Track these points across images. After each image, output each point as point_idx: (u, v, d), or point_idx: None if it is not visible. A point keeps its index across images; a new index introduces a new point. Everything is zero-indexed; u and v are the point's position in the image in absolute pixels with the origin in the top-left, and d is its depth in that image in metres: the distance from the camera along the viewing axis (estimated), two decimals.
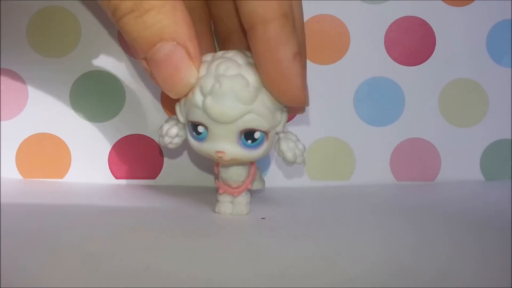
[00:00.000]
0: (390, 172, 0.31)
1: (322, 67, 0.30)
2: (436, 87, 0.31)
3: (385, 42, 0.31)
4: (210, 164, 0.30)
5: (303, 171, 0.31)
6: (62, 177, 0.30)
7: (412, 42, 0.31)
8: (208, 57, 0.20)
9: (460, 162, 0.31)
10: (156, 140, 0.30)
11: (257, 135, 0.20)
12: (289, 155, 0.21)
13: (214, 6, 0.24)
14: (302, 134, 0.30)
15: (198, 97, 0.19)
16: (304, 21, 0.30)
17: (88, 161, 0.30)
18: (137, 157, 0.30)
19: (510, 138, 0.32)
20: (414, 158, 0.31)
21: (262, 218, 0.22)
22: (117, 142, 0.30)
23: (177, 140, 0.22)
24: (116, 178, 0.30)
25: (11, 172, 0.30)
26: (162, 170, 0.30)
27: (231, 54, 0.20)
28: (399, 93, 0.31)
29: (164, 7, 0.18)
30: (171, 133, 0.21)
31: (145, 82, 0.30)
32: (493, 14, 0.31)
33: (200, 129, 0.20)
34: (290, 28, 0.18)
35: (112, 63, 0.30)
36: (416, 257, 0.18)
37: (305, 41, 0.23)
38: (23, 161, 0.30)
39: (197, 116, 0.20)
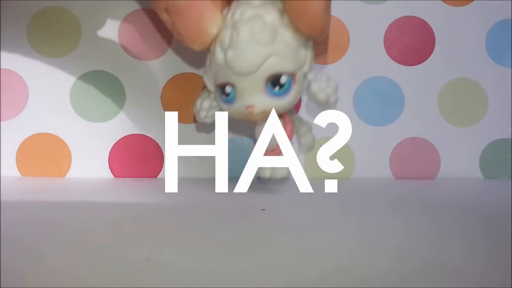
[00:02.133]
0: (389, 172, 0.31)
1: (321, 67, 0.30)
2: (436, 87, 0.31)
3: (384, 42, 0.31)
4: (210, 162, 0.30)
5: (303, 171, 0.30)
6: (62, 177, 0.30)
7: (411, 42, 0.31)
8: (225, 11, 0.20)
9: (460, 161, 0.31)
10: (156, 140, 0.30)
11: (283, 79, 0.19)
12: (321, 95, 0.21)
13: None
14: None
15: (219, 55, 0.19)
16: None
17: (88, 161, 0.30)
18: (137, 157, 0.30)
19: (509, 137, 0.32)
20: (414, 158, 0.31)
21: (262, 210, 0.22)
22: (117, 142, 0.30)
23: (212, 112, 0.21)
24: (116, 178, 0.30)
25: (12, 172, 0.30)
26: (162, 170, 0.30)
27: (240, 9, 0.20)
28: (399, 93, 0.31)
29: None
30: (204, 106, 0.21)
31: (146, 82, 0.30)
32: (492, 14, 0.31)
33: (228, 89, 0.20)
34: None
35: (112, 63, 0.30)
36: (416, 255, 0.18)
37: None
38: (23, 161, 0.30)
39: (223, 76, 0.20)
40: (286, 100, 0.20)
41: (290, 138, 0.22)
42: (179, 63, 0.30)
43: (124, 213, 0.22)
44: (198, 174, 0.30)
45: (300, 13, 0.19)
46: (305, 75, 0.20)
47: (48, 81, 0.29)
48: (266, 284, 0.15)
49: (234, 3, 0.20)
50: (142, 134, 0.30)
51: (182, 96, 0.30)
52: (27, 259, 0.16)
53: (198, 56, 0.30)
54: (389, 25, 0.31)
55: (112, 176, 0.30)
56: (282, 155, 0.22)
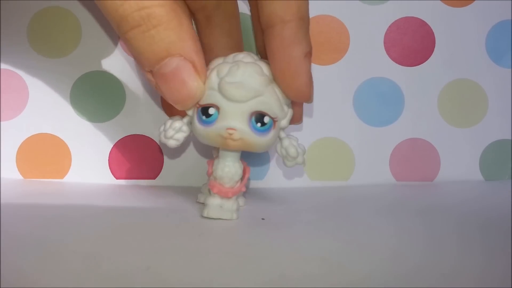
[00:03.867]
0: (389, 172, 0.31)
1: (321, 68, 0.30)
2: (436, 88, 0.31)
3: (384, 43, 0.31)
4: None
5: (303, 172, 0.31)
6: (62, 177, 0.30)
7: (411, 43, 0.31)
8: (219, 60, 0.21)
9: (460, 162, 0.31)
10: (156, 140, 0.30)
11: (266, 119, 0.21)
12: (292, 150, 0.22)
13: (206, 36, 0.25)
14: (302, 134, 0.30)
15: (214, 80, 0.20)
16: None
17: (89, 161, 0.30)
18: (137, 157, 0.30)
19: (509, 138, 0.32)
20: (414, 159, 0.31)
21: (262, 219, 0.22)
22: (117, 142, 0.30)
23: (179, 136, 0.22)
24: (116, 178, 0.30)
25: (12, 172, 0.30)
26: (162, 170, 0.30)
27: (242, 55, 0.21)
28: (399, 94, 0.31)
29: (171, 23, 0.18)
30: (175, 126, 0.21)
31: (145, 83, 0.30)
32: (492, 15, 0.31)
33: (211, 111, 0.20)
34: (305, 30, 0.20)
35: (112, 63, 0.30)
36: (415, 256, 0.18)
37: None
38: (23, 161, 0.30)
39: (210, 98, 0.20)
40: (264, 139, 0.21)
41: (245, 181, 0.22)
42: None
43: (124, 219, 0.22)
44: (198, 183, 0.30)
45: (289, 86, 0.21)
46: (281, 129, 0.22)
47: (48, 81, 0.29)
48: None
49: (231, 56, 0.21)
50: (142, 135, 0.30)
51: None
52: (27, 262, 0.16)
53: None
54: (389, 26, 0.31)
55: (112, 176, 0.30)
56: (236, 197, 0.22)
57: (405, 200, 0.27)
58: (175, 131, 0.21)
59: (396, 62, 0.31)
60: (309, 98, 0.21)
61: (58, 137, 0.30)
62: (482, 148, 0.32)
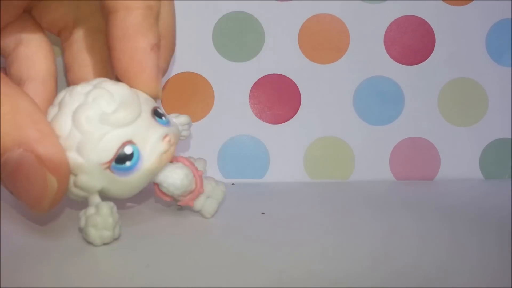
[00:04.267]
0: (389, 171, 0.31)
1: (321, 66, 0.30)
2: (436, 86, 0.31)
3: (384, 42, 0.31)
4: (210, 161, 0.30)
5: (303, 170, 0.31)
6: None
7: (411, 42, 0.31)
8: (53, 110, 0.18)
9: (460, 161, 0.31)
10: None
11: (161, 110, 0.19)
12: (182, 118, 0.21)
13: (66, 55, 0.23)
14: (302, 133, 0.30)
15: (94, 128, 0.17)
16: (304, 20, 0.30)
17: None
18: None
19: (509, 137, 0.32)
20: (414, 157, 0.31)
21: (262, 213, 0.22)
22: None
23: (109, 221, 0.18)
24: None
25: None
26: None
27: (63, 93, 0.18)
28: (399, 92, 0.31)
29: (2, 108, 0.15)
30: (112, 221, 0.18)
31: None
32: (492, 13, 0.31)
33: (128, 149, 0.17)
34: (153, 20, 0.18)
35: None
36: (415, 255, 0.18)
37: (173, 37, 0.22)
38: None
39: (114, 141, 0.17)
40: (174, 127, 0.19)
41: (193, 164, 0.20)
42: (179, 63, 0.30)
43: (123, 217, 0.22)
44: None
45: (133, 79, 0.18)
46: None
47: None
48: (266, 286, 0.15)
49: (54, 110, 0.18)
50: None
51: (182, 95, 0.30)
52: (27, 261, 0.16)
53: (198, 56, 0.30)
54: (389, 25, 0.31)
55: None
56: (202, 190, 0.20)
57: (405, 198, 0.27)
58: (119, 226, 0.18)
59: (396, 61, 0.31)
60: (156, 93, 0.19)
61: None
62: (482, 146, 0.31)
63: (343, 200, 0.27)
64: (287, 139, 0.30)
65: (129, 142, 0.17)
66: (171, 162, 0.19)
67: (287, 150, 0.30)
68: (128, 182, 0.17)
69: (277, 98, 0.30)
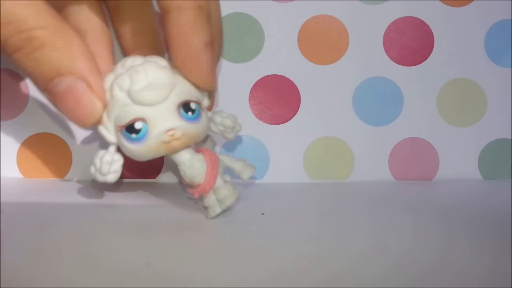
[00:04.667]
0: (388, 172, 0.31)
1: (321, 67, 0.30)
2: (435, 87, 0.31)
3: (383, 42, 0.31)
4: None
5: (302, 170, 0.31)
6: (63, 177, 0.30)
7: (410, 42, 0.31)
8: (110, 76, 0.20)
9: (459, 161, 0.31)
10: None
11: (193, 105, 0.20)
12: (228, 121, 0.22)
13: (117, 22, 0.24)
14: (301, 134, 0.30)
15: (120, 95, 0.19)
16: (303, 21, 0.30)
17: (89, 161, 0.30)
18: None
19: (508, 137, 0.32)
20: (413, 158, 0.31)
21: (262, 214, 0.22)
22: None
23: (115, 167, 0.20)
24: (120, 177, 0.30)
25: (12, 172, 0.30)
26: (162, 169, 0.30)
27: (131, 59, 0.20)
28: (398, 93, 0.31)
29: (57, 43, 0.18)
30: (107, 160, 0.20)
31: None
32: (491, 14, 0.31)
33: (138, 125, 0.19)
34: (204, 20, 0.19)
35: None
36: (414, 255, 0.18)
37: (221, 37, 0.24)
38: (24, 161, 0.30)
39: (130, 114, 0.19)
40: (200, 125, 0.20)
41: (215, 163, 0.21)
42: None
43: (123, 217, 0.22)
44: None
45: (190, 74, 0.20)
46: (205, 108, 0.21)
47: None
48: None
49: (112, 73, 0.20)
50: None
51: None
52: (27, 261, 0.16)
53: None
54: (388, 26, 0.31)
55: None
56: (208, 189, 0.21)
57: (404, 198, 0.27)
58: (109, 165, 0.20)
59: (395, 62, 0.31)
60: (212, 87, 0.21)
61: (59, 137, 0.30)
62: (481, 147, 0.32)
63: (343, 200, 0.27)
64: (287, 139, 0.30)
65: (142, 119, 0.19)
66: (197, 151, 0.21)
67: (287, 150, 0.30)
68: (130, 149, 0.20)
69: (277, 99, 0.30)
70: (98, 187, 0.28)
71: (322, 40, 0.30)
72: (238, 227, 0.21)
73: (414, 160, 0.31)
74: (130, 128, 0.19)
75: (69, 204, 0.24)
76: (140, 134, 0.19)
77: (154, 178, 0.30)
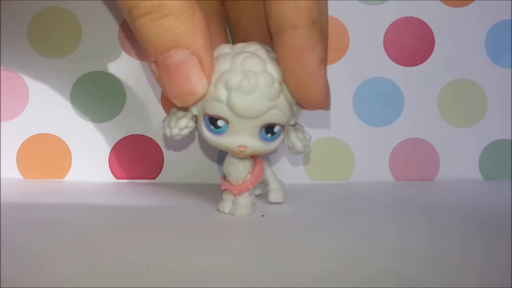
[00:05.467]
0: (389, 172, 0.31)
1: None
2: (435, 88, 0.31)
3: (384, 43, 0.31)
4: (210, 162, 0.30)
5: (303, 171, 0.31)
6: (62, 177, 0.30)
7: (411, 43, 0.31)
8: (226, 48, 0.20)
9: (459, 162, 0.31)
10: (157, 140, 0.30)
11: (276, 129, 0.20)
12: (299, 145, 0.22)
13: (232, 10, 0.24)
14: None
15: (222, 92, 0.19)
16: None
17: (89, 161, 0.30)
18: (138, 157, 0.30)
19: (509, 138, 0.32)
20: (413, 158, 0.31)
21: (262, 216, 0.22)
22: (117, 142, 0.30)
23: (185, 132, 0.21)
24: (117, 178, 0.30)
25: (12, 173, 0.30)
26: (163, 170, 0.30)
27: (253, 48, 0.20)
28: (398, 94, 0.31)
29: (183, 14, 0.18)
30: (181, 125, 0.21)
31: (146, 83, 0.30)
32: (491, 15, 0.31)
33: (220, 123, 0.20)
34: (318, 34, 0.19)
35: (112, 63, 0.30)
36: (415, 255, 0.18)
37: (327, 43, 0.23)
38: (24, 161, 0.30)
39: (218, 110, 0.19)
40: (273, 146, 0.21)
41: (259, 178, 0.22)
42: None
43: (124, 217, 0.22)
44: (200, 180, 0.30)
45: (305, 96, 0.19)
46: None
47: (49, 81, 0.29)
48: None
49: (240, 45, 0.20)
50: (142, 135, 0.30)
51: None
52: (27, 261, 0.16)
53: None
54: (389, 26, 0.31)
55: (112, 176, 0.30)
56: (246, 191, 0.22)
57: (405, 199, 0.27)
58: (180, 130, 0.21)
59: (396, 62, 0.31)
60: (326, 106, 0.20)
61: (58, 137, 0.30)
62: (482, 148, 0.32)
63: (343, 201, 0.27)
64: None
65: (226, 121, 0.20)
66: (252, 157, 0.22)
67: (287, 151, 0.30)
68: (204, 132, 0.20)
69: None
70: (98, 187, 0.28)
71: None
72: (238, 228, 0.21)
73: (415, 161, 0.31)
74: (212, 120, 0.20)
75: (69, 204, 0.24)
76: (219, 130, 0.20)
77: (154, 178, 0.30)
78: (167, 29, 0.18)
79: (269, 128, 0.20)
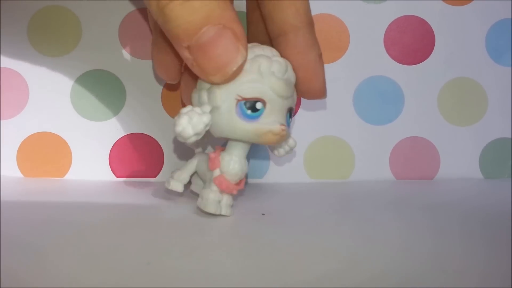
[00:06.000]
0: (389, 171, 0.31)
1: None
2: (435, 86, 0.31)
3: (384, 41, 0.31)
4: None
5: (303, 170, 0.31)
6: (63, 176, 0.30)
7: (411, 41, 0.31)
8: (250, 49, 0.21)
9: (459, 160, 0.31)
10: (156, 138, 0.30)
11: (291, 113, 0.21)
12: (291, 141, 0.24)
13: (265, 6, 0.24)
14: (302, 133, 0.30)
15: (257, 73, 0.20)
16: None
17: (89, 160, 0.30)
18: (138, 156, 0.30)
19: (509, 136, 0.32)
20: (414, 157, 0.31)
21: (262, 214, 0.22)
22: (118, 140, 0.30)
23: (204, 130, 0.20)
24: (117, 176, 0.30)
25: (12, 171, 0.30)
26: (163, 168, 0.30)
27: (267, 50, 0.21)
28: (399, 92, 0.31)
29: None
30: (205, 120, 0.20)
31: (146, 81, 0.30)
32: (492, 13, 0.31)
33: (259, 105, 0.20)
34: (315, 34, 0.21)
35: (113, 62, 0.30)
36: (416, 254, 0.18)
37: None
38: (24, 160, 0.30)
39: (258, 91, 0.20)
40: (289, 131, 0.22)
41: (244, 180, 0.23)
42: None
43: (124, 215, 0.22)
44: None
45: (309, 88, 0.22)
46: None
47: (49, 80, 0.29)
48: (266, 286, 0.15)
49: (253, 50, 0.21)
50: (142, 133, 0.30)
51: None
52: (27, 260, 0.16)
53: None
54: (389, 25, 0.31)
55: (113, 175, 0.30)
56: (235, 192, 0.22)
57: (406, 197, 0.27)
58: (205, 125, 0.20)
59: (396, 61, 0.31)
60: (325, 95, 0.23)
61: (58, 135, 0.30)
62: (482, 146, 0.32)
63: (343, 199, 0.27)
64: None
65: (264, 102, 0.20)
66: None
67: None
68: (238, 125, 0.20)
69: None
70: (98, 187, 0.28)
71: (323, 39, 0.30)
72: (238, 227, 0.21)
73: (415, 159, 0.31)
74: (250, 104, 0.20)
75: (69, 203, 0.24)
76: (256, 114, 0.20)
77: (155, 176, 0.30)
78: (197, 8, 0.18)
79: (290, 112, 0.21)
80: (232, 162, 0.21)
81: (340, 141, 0.31)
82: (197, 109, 0.20)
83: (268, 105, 0.20)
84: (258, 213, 0.23)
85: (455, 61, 0.31)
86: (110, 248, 0.18)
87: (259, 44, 0.21)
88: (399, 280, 0.15)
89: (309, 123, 0.31)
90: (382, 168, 0.31)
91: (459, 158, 0.31)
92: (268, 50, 0.21)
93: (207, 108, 0.20)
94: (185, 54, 0.19)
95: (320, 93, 0.22)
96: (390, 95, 0.31)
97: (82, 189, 0.27)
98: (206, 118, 0.20)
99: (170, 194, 0.26)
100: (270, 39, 0.22)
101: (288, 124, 0.21)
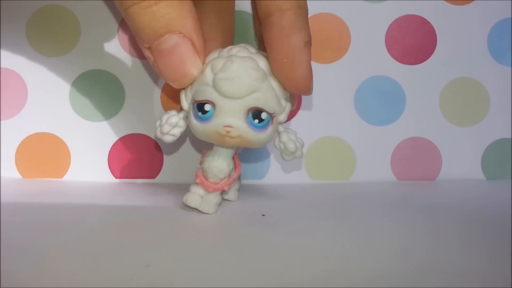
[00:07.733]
0: (390, 171, 0.31)
1: (322, 66, 0.30)
2: (437, 86, 0.31)
3: (386, 41, 0.31)
4: None
5: (303, 171, 0.30)
6: (61, 176, 0.30)
7: (413, 41, 0.31)
8: (215, 53, 0.21)
9: (461, 161, 0.31)
10: (155, 139, 0.30)
11: (263, 115, 0.20)
12: (291, 145, 0.22)
13: None
14: (303, 133, 0.30)
15: (208, 75, 0.20)
16: None
17: (88, 160, 0.30)
18: (137, 156, 0.30)
19: (511, 137, 0.32)
20: (415, 157, 0.31)
21: (262, 215, 0.22)
22: (117, 141, 0.30)
23: (176, 131, 0.21)
24: (116, 177, 0.30)
25: (11, 172, 0.29)
26: (162, 169, 0.30)
27: (243, 44, 0.21)
28: (400, 92, 0.31)
29: (173, 0, 0.19)
30: (172, 121, 0.21)
31: (145, 81, 0.30)
32: (494, 12, 0.31)
33: (207, 107, 0.20)
34: (304, 18, 0.20)
35: (111, 62, 0.30)
36: (416, 255, 0.18)
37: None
38: (22, 160, 0.30)
39: (205, 94, 0.20)
40: (262, 136, 0.21)
41: (232, 181, 0.23)
42: None
43: (123, 216, 0.22)
44: None
45: (288, 77, 0.20)
46: (279, 123, 0.22)
47: (47, 80, 0.29)
48: None
49: (226, 49, 0.21)
50: (141, 134, 0.30)
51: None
52: (27, 261, 0.16)
53: None
54: (391, 24, 0.31)
55: (112, 176, 0.30)
56: (219, 192, 0.23)
57: (407, 198, 0.27)
58: (171, 127, 0.21)
59: (398, 61, 0.31)
60: (309, 90, 0.21)
61: (57, 136, 0.30)
62: (484, 147, 0.31)
63: (344, 200, 0.27)
64: None
65: (212, 104, 0.20)
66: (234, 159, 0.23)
67: None
68: (192, 123, 0.21)
69: None
70: (96, 188, 0.28)
71: (324, 39, 0.30)
72: (238, 228, 0.21)
73: (417, 160, 0.31)
74: (200, 106, 0.20)
75: (68, 204, 0.24)
76: (206, 115, 0.20)
77: (154, 177, 0.30)
78: (158, 16, 0.19)
79: (256, 114, 0.20)
80: (213, 162, 0.22)
81: (341, 141, 0.31)
82: (172, 112, 0.22)
83: (216, 106, 0.20)
84: (258, 214, 0.22)
85: (456, 61, 0.31)
86: (109, 250, 0.18)
87: (249, 45, 0.21)
88: (401, 281, 0.15)
89: (309, 123, 0.30)
90: (384, 169, 0.31)
91: (461, 159, 0.31)
92: (245, 50, 0.21)
93: (182, 114, 0.22)
94: (147, 53, 0.20)
95: (303, 85, 0.20)
96: (391, 95, 0.31)
97: (81, 190, 0.27)
98: (174, 119, 0.21)
99: (169, 195, 0.26)
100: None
101: (255, 125, 0.20)
